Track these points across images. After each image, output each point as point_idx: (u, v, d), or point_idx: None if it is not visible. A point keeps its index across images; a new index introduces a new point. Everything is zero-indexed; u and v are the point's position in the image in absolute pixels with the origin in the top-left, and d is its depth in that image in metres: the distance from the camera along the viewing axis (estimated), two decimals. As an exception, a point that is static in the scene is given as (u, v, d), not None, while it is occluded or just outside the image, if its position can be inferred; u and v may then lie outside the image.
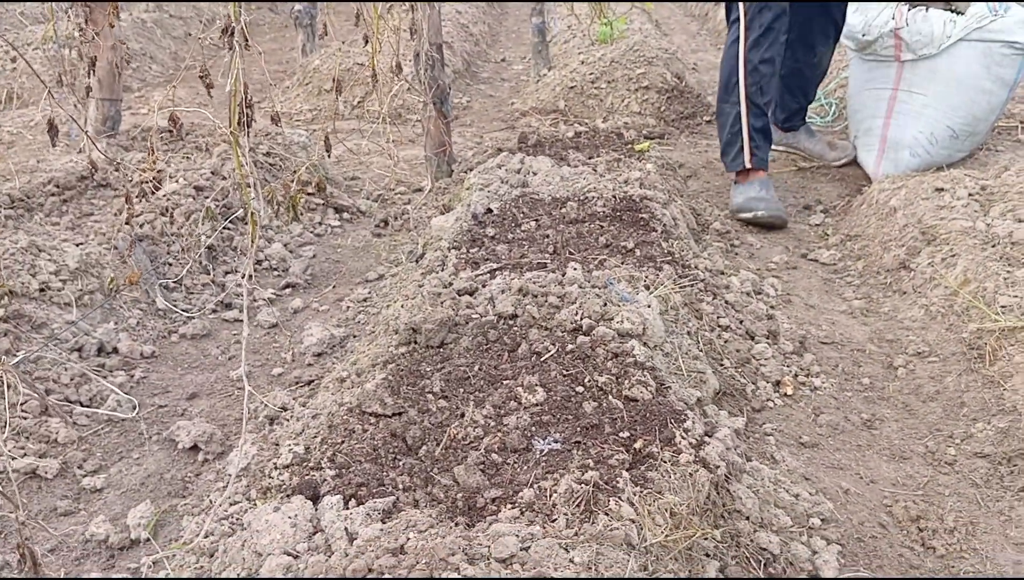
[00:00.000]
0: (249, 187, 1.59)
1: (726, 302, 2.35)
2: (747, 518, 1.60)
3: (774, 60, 3.14)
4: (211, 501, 1.69)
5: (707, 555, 1.44)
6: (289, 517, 1.40)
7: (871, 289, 2.72)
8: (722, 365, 2.11)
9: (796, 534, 1.63)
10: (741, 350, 2.19)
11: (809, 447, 1.94)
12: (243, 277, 2.50)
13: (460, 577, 1.20)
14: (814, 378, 2.20)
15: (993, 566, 1.59)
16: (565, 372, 1.75)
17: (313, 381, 2.13)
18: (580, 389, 1.71)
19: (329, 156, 2.92)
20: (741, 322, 2.30)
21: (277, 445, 1.78)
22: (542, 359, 1.80)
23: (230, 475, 1.76)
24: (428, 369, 1.82)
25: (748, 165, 3.17)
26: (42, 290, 2.23)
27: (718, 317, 2.25)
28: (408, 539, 1.29)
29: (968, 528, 1.68)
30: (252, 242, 1.54)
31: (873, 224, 3.02)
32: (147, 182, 2.64)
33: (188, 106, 4.36)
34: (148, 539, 1.65)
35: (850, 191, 3.44)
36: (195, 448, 1.91)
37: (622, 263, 2.19)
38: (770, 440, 1.93)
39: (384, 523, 1.37)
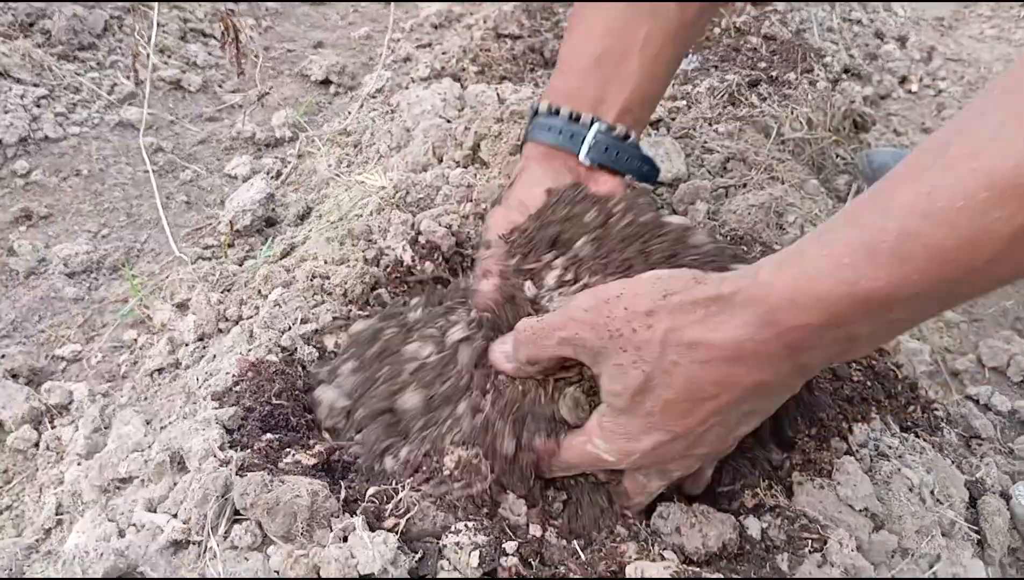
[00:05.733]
0: None
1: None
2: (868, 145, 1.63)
3: None
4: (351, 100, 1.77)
5: (841, 171, 1.48)
6: (439, 93, 1.46)
7: (1002, 20, 2.59)
8: (850, 54, 2.07)
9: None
10: (870, 45, 2.14)
11: (931, 132, 1.94)
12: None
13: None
14: (939, 82, 2.16)
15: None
16: (701, 16, 1.74)
17: (441, 25, 2.15)
18: (717, 30, 1.70)
19: None
20: (872, 21, 2.24)
21: (411, 65, 1.83)
22: (678, 4, 1.79)
23: (363, 95, 1.84)
24: (560, 8, 1.82)
25: None
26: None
27: (850, 9, 2.19)
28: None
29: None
30: None
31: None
32: None
33: None
34: (292, 137, 1.75)
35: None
36: (327, 81, 1.98)
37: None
38: (893, 120, 1.93)
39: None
